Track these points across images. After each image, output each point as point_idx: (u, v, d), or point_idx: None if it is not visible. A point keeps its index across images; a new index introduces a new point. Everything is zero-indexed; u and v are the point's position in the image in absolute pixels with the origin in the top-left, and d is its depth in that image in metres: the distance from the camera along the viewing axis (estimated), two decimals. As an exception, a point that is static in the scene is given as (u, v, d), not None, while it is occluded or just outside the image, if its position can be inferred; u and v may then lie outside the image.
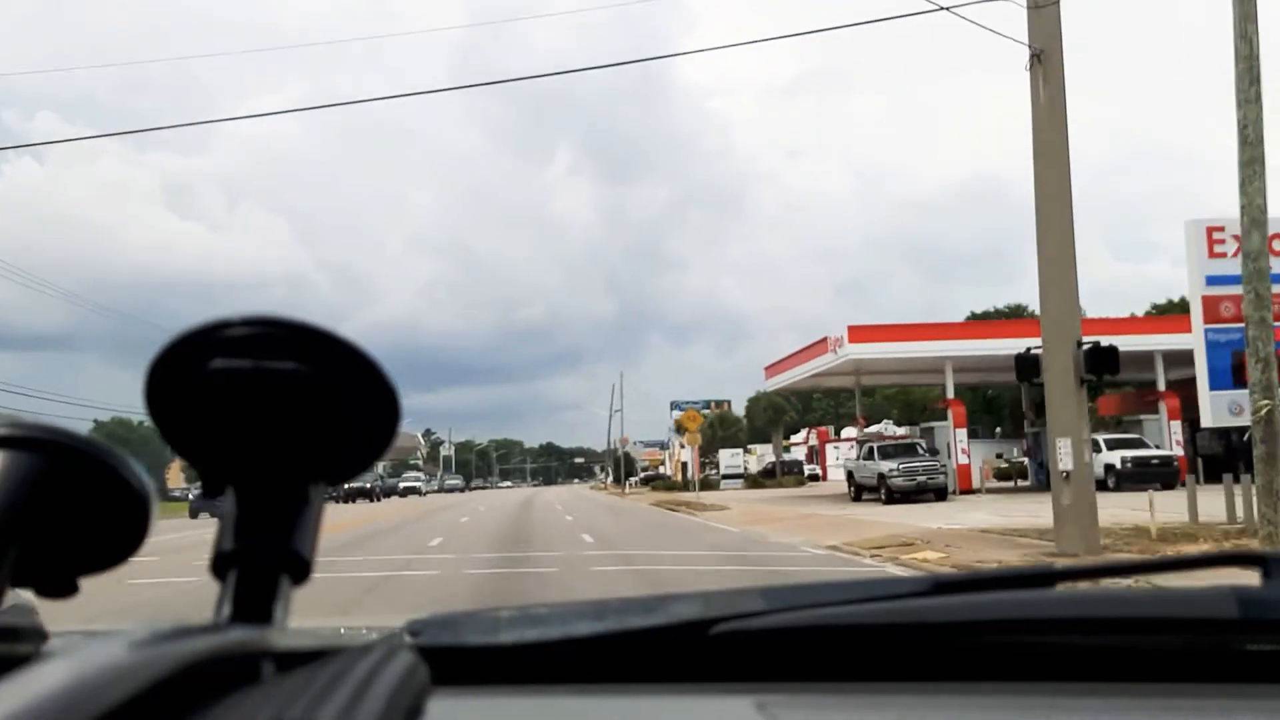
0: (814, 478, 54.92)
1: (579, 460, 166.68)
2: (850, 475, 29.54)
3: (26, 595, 0.60)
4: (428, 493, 76.52)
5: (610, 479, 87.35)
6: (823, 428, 70.38)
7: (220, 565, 0.54)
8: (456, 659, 0.81)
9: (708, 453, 58.35)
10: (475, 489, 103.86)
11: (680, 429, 51.25)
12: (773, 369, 39.20)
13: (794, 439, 70.02)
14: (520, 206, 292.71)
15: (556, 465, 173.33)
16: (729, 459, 57.58)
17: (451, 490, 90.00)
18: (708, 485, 48.88)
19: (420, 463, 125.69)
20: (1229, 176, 11.18)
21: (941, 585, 0.86)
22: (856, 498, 28.45)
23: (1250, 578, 0.81)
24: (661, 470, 75.84)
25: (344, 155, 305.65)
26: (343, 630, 1.32)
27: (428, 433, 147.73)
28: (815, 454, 64.38)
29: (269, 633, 0.52)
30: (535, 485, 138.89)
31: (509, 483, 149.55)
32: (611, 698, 0.82)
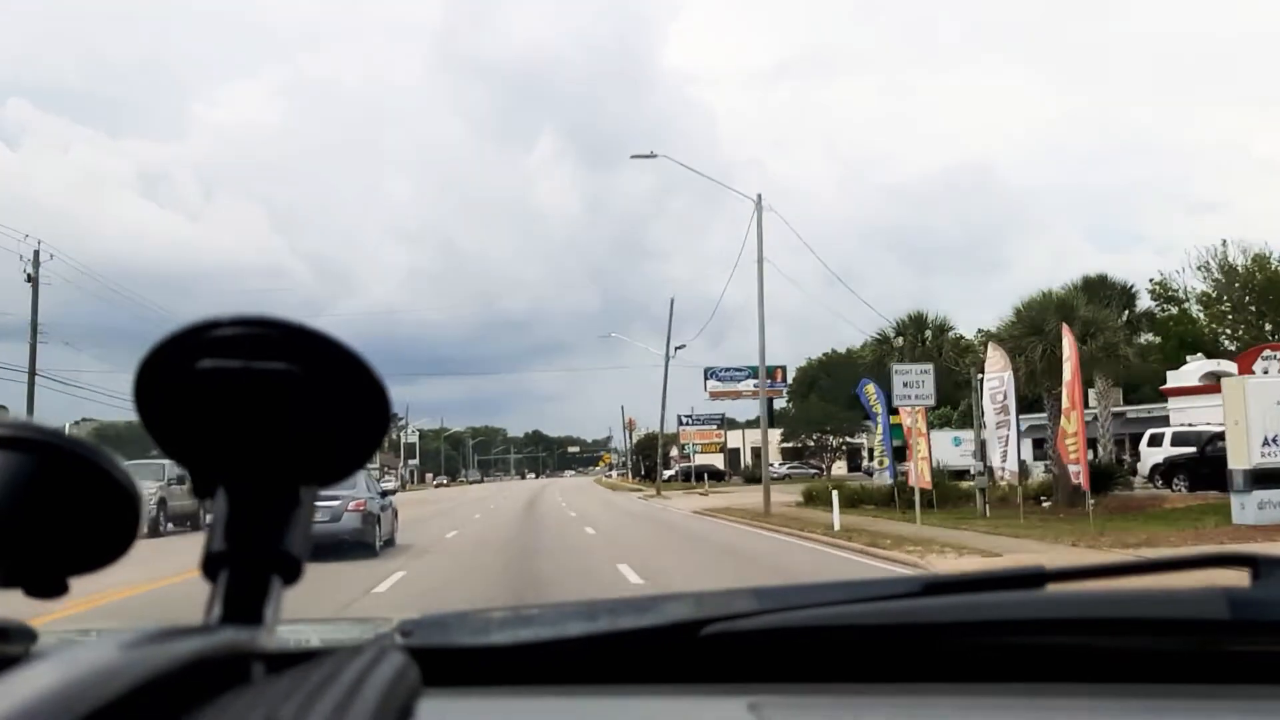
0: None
1: (573, 450, 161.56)
2: None
3: None
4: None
5: (634, 474, 59.87)
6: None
7: (211, 566, 0.54)
8: (448, 660, 0.81)
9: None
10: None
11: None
12: None
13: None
14: (502, 195, 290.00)
15: (544, 455, 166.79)
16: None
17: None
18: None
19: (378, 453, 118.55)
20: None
21: (932, 586, 0.86)
22: None
23: (1241, 578, 0.81)
24: (716, 463, 51.55)
25: (323, 143, 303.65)
26: (334, 631, 1.32)
27: (393, 417, 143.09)
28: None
29: (260, 634, 0.51)
30: (484, 482, 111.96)
31: (443, 479, 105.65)
32: (603, 698, 0.82)
